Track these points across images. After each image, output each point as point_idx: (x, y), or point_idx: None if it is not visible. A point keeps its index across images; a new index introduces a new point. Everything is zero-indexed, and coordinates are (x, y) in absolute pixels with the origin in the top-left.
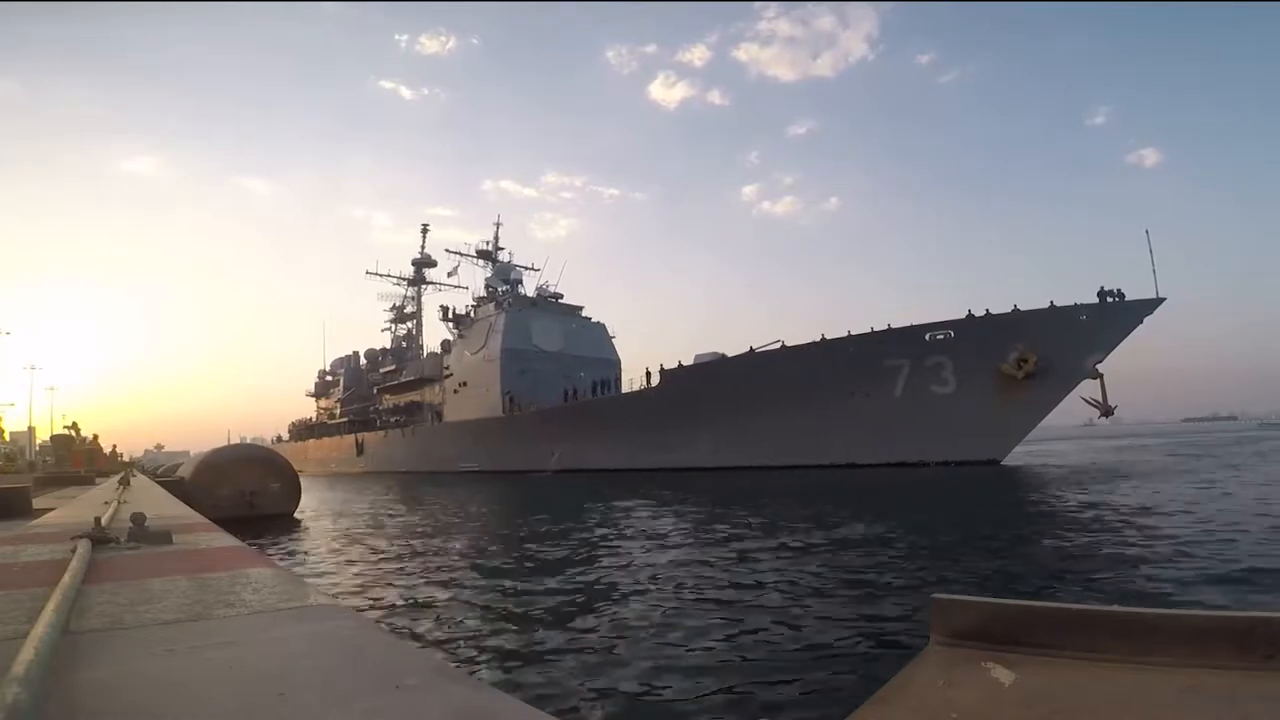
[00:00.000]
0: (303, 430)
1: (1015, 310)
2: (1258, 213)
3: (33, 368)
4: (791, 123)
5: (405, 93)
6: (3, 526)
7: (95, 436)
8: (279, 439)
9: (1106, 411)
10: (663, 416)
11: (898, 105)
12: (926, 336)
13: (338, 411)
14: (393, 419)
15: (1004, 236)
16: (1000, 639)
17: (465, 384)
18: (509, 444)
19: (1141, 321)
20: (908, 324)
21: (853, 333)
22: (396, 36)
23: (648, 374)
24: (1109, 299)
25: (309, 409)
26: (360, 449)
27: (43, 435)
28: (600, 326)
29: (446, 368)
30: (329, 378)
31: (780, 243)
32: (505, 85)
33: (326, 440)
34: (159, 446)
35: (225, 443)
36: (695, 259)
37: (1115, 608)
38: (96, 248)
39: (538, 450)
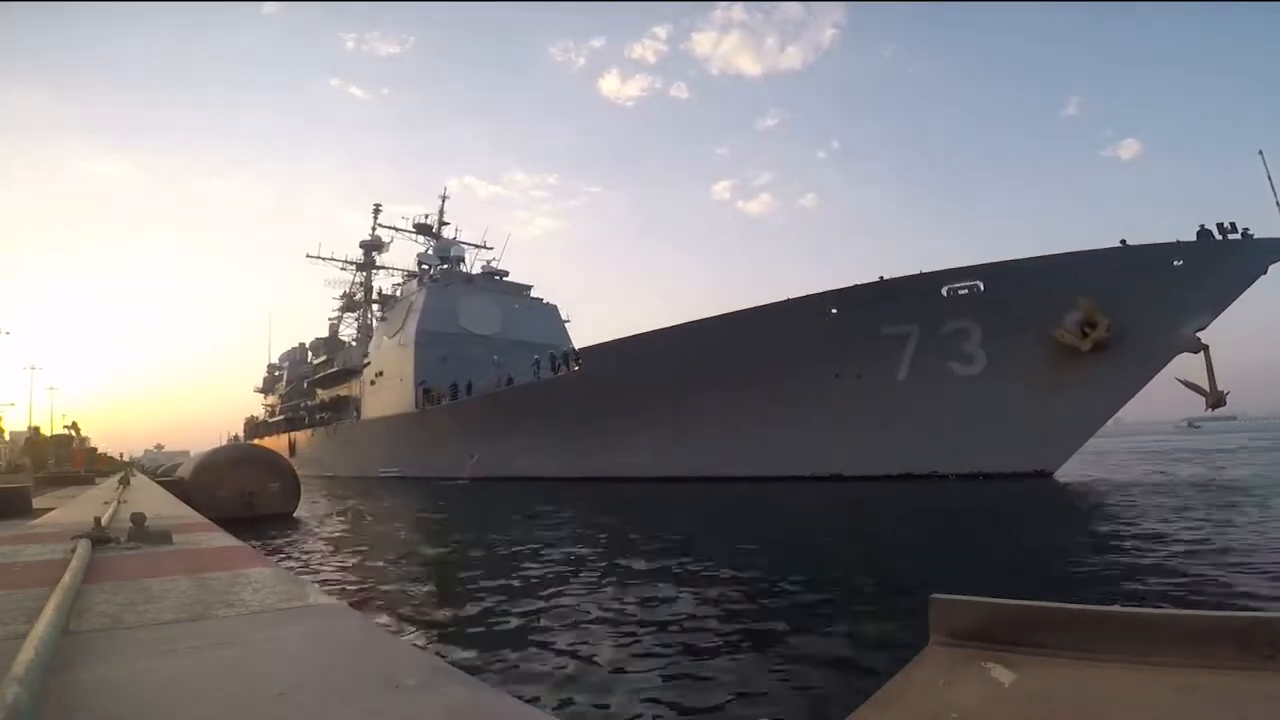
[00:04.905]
0: (251, 429)
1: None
2: None
3: (33, 368)
4: (763, 114)
5: (357, 91)
6: (3, 526)
7: (86, 438)
8: (235, 438)
9: (1216, 401)
10: (595, 410)
11: (868, 95)
12: (944, 291)
13: (277, 408)
14: (319, 415)
15: (1006, 214)
16: (1000, 639)
17: (381, 374)
18: (426, 445)
19: (1265, 271)
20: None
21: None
22: (341, 35)
23: (564, 357)
24: (1225, 235)
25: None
26: (292, 450)
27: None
28: (551, 309)
29: (365, 356)
30: (276, 372)
31: (764, 227)
32: (459, 85)
33: (267, 440)
34: (159, 446)
35: (225, 442)
36: (682, 254)
37: (1115, 608)
38: (95, 248)
39: (458, 452)
